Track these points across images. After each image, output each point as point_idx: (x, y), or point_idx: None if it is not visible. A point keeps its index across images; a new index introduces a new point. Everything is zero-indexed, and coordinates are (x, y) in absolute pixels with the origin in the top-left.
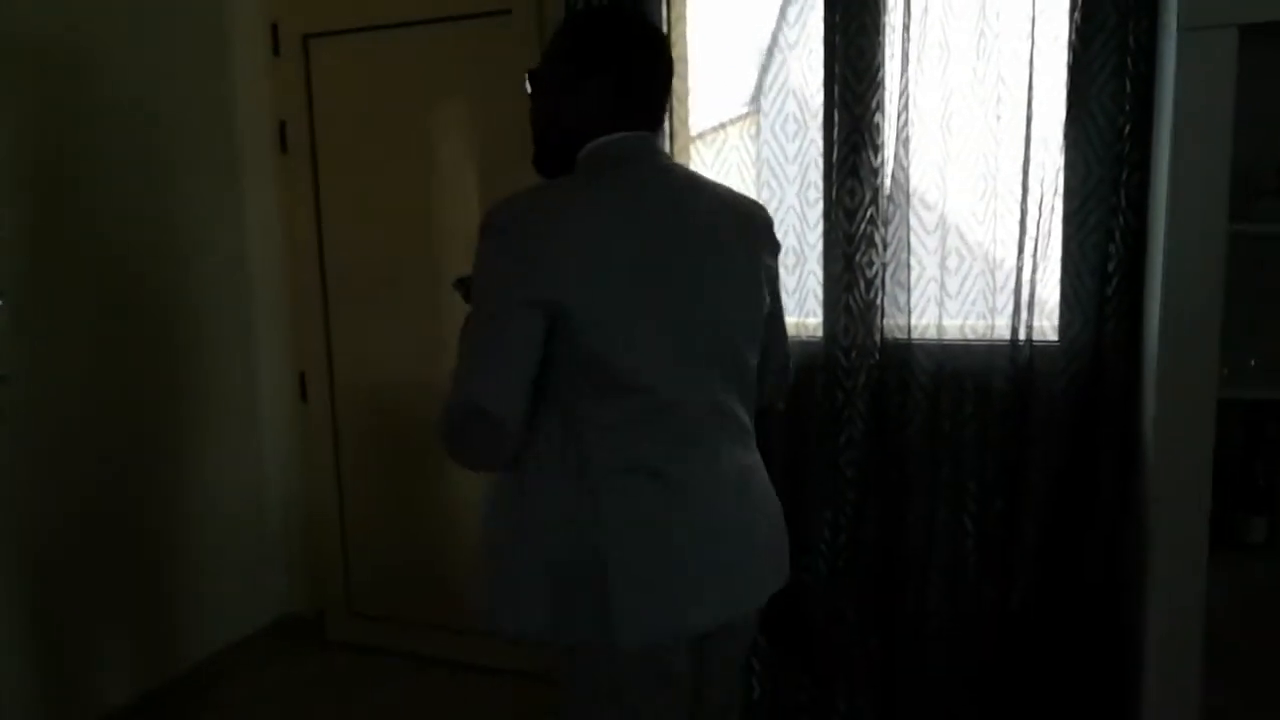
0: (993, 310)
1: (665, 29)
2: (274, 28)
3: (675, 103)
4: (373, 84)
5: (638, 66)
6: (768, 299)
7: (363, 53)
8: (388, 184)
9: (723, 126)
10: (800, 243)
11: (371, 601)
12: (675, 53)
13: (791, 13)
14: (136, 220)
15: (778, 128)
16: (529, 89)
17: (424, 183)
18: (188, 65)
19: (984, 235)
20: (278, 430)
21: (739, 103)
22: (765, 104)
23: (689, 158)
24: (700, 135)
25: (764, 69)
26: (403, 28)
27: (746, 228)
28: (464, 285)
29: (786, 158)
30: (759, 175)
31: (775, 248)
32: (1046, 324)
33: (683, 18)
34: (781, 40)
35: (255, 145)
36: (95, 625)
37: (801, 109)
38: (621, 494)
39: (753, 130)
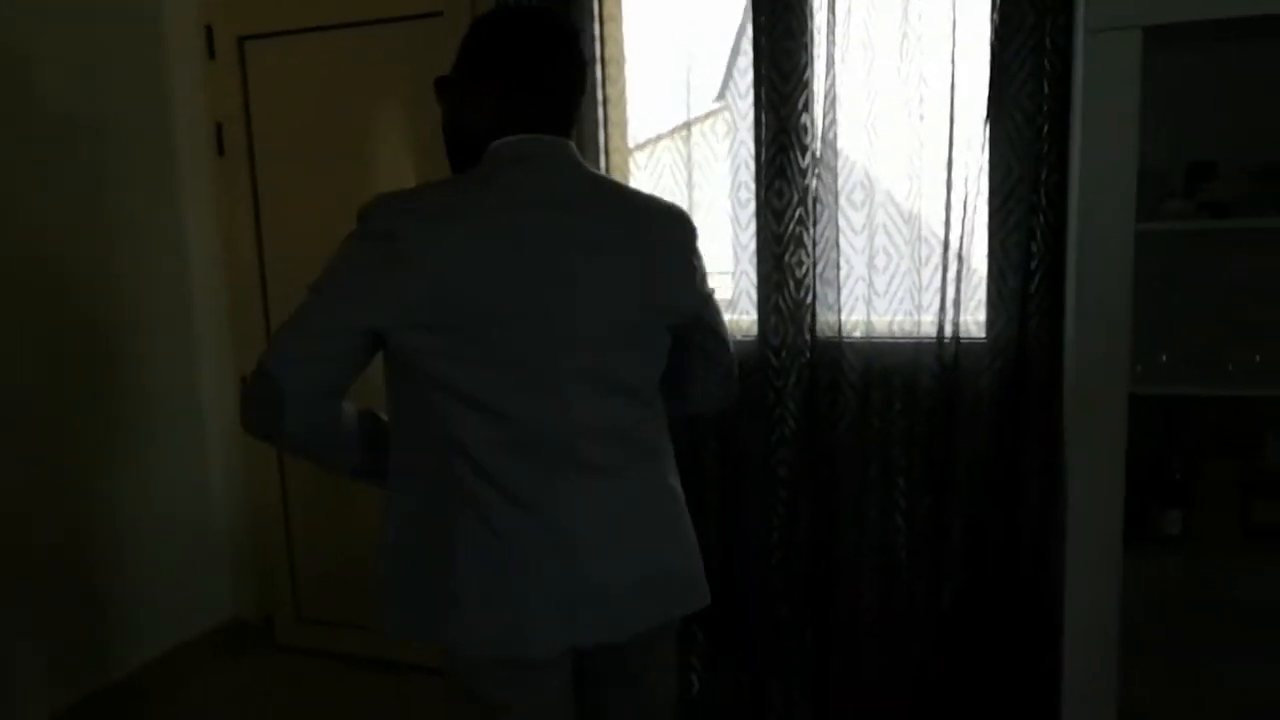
0: (919, 308)
1: (596, 30)
2: (208, 30)
3: (608, 106)
4: (309, 85)
5: (530, 68)
6: (680, 308)
7: (299, 54)
8: (326, 184)
9: (687, 125)
10: (734, 244)
11: (319, 606)
12: (608, 53)
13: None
14: (71, 227)
15: (708, 129)
16: (436, 96)
17: (362, 182)
18: (122, 69)
19: (910, 234)
20: (221, 434)
21: (706, 99)
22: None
23: (624, 161)
24: (670, 133)
25: (730, 65)
26: (338, 29)
27: (650, 232)
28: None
29: (716, 157)
30: (690, 177)
31: (690, 251)
32: (972, 321)
33: (615, 18)
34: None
35: (192, 149)
36: (25, 630)
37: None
38: (476, 516)
39: (720, 128)
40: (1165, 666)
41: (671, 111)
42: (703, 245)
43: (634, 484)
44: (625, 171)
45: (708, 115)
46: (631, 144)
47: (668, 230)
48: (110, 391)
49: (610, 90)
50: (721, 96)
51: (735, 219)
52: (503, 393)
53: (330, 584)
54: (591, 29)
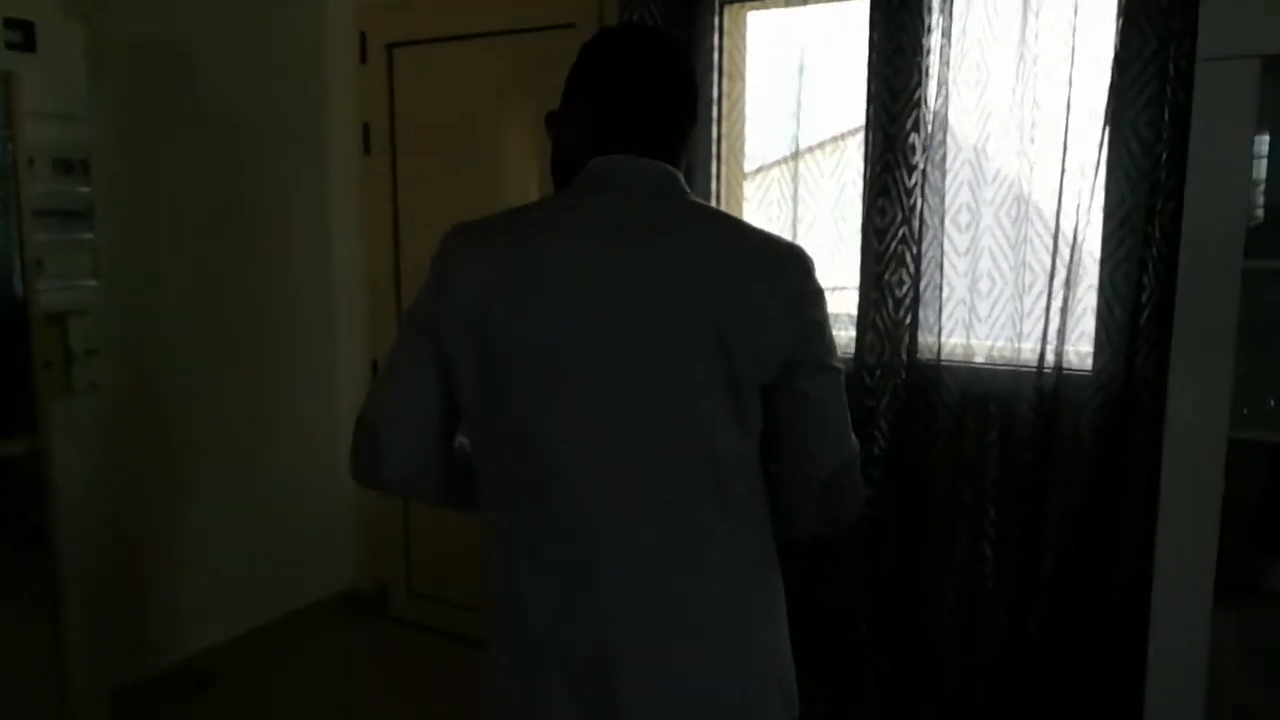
0: (1020, 335)
1: (716, 50)
2: (362, 36)
3: (725, 125)
4: (448, 90)
5: (619, 85)
6: (774, 364)
7: (441, 61)
8: (459, 184)
9: (837, 140)
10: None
11: (431, 581)
12: (730, 68)
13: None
14: (229, 215)
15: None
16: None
17: (493, 183)
18: (282, 70)
19: (1015, 259)
20: (352, 412)
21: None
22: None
23: (737, 176)
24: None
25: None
26: (477, 38)
27: (738, 275)
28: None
29: (822, 173)
30: (795, 191)
31: (797, 301)
32: (1073, 352)
33: (736, 35)
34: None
35: (341, 146)
36: (165, 580)
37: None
38: (512, 581)
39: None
40: None
41: (786, 137)
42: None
43: (689, 584)
44: (737, 189)
45: (828, 142)
46: (749, 165)
47: (755, 273)
48: (255, 367)
49: (726, 105)
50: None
51: (839, 234)
52: (526, 448)
53: (443, 562)
54: (710, 41)
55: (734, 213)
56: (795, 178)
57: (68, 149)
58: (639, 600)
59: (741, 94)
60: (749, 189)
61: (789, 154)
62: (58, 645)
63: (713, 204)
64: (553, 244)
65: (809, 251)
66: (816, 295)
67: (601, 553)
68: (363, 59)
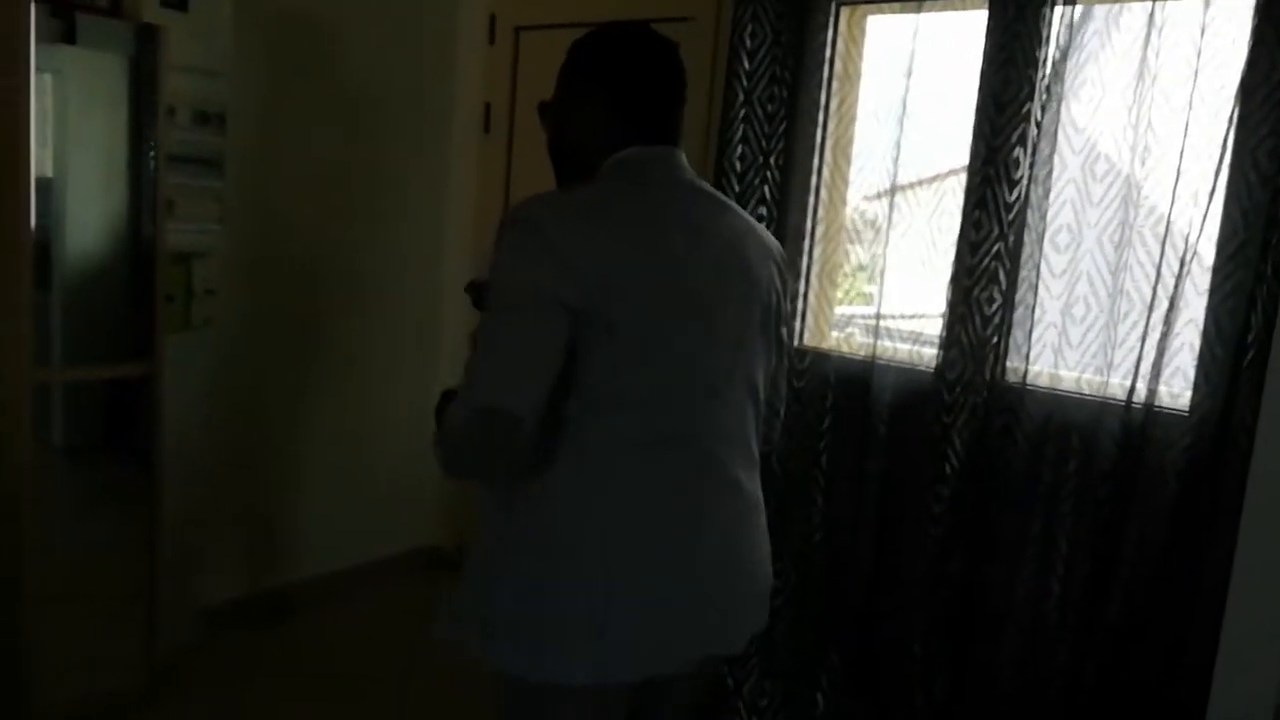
0: (1110, 366)
1: (828, 51)
2: (492, 18)
3: (832, 126)
4: None
5: (635, 80)
6: (779, 327)
7: (565, 46)
8: None
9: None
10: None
11: None
12: (848, 70)
13: None
14: (348, 178)
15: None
16: (540, 119)
17: None
18: (415, 46)
19: (1113, 286)
20: (454, 373)
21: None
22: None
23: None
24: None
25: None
26: None
27: (766, 253)
28: (476, 289)
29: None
30: (892, 199)
31: (789, 280)
32: (1166, 391)
33: (854, 38)
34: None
35: (463, 123)
36: (260, 511)
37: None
38: (628, 518)
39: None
40: None
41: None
42: (897, 276)
43: (754, 497)
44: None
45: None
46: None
47: (771, 245)
48: (364, 327)
49: (835, 106)
50: None
51: (932, 244)
52: (656, 393)
53: None
54: (821, 40)
55: (837, 208)
56: (893, 183)
57: (207, 102)
58: (743, 517)
59: (855, 99)
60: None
61: (890, 158)
62: (151, 559)
63: (811, 195)
64: (650, 222)
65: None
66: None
67: (717, 488)
68: (491, 40)
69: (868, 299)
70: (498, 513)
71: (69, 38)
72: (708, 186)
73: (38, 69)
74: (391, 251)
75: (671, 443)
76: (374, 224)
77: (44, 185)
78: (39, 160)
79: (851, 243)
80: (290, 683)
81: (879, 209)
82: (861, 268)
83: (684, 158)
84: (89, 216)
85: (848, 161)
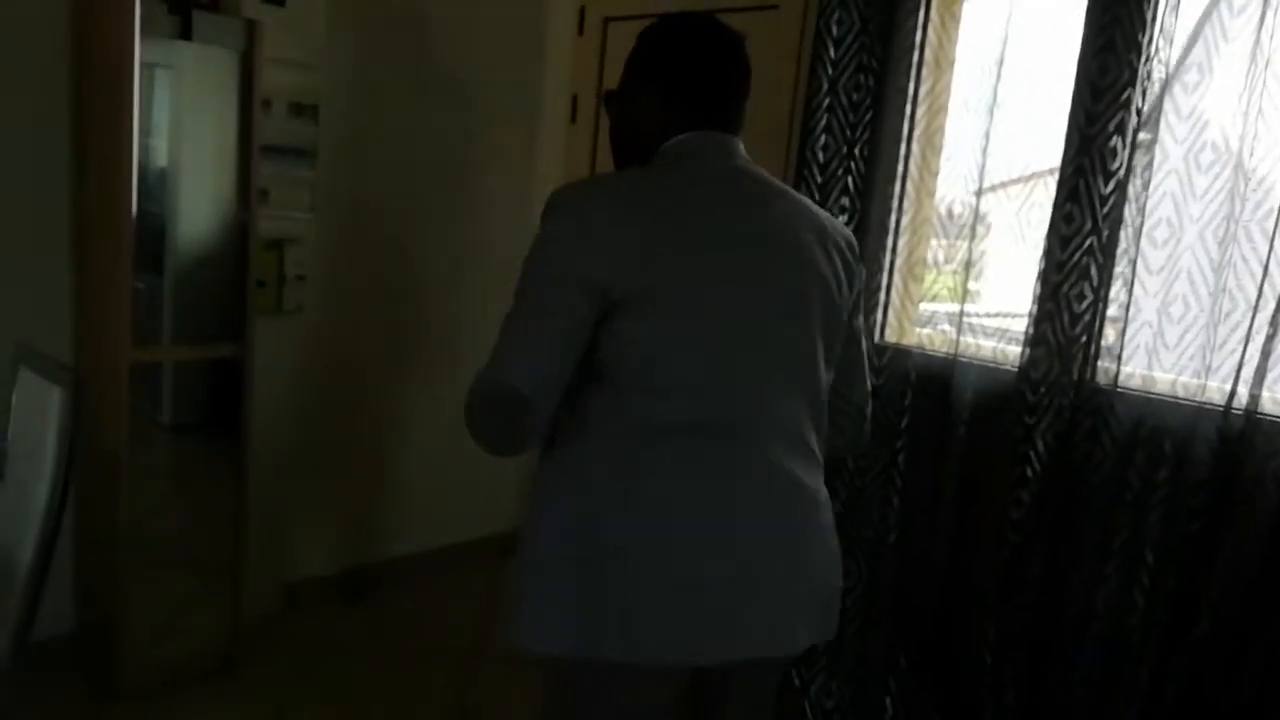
0: (1208, 369)
1: (919, 36)
2: (581, 10)
3: (921, 112)
4: None
5: (693, 70)
6: (841, 321)
7: None
8: None
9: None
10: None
11: None
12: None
13: None
14: (438, 168)
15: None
16: (605, 107)
17: None
18: (506, 37)
19: (1215, 285)
20: None
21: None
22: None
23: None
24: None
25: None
26: None
27: (825, 238)
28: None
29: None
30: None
31: (857, 268)
32: (1273, 396)
33: (948, 23)
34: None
35: (551, 114)
36: (346, 492)
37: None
38: (662, 504)
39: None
40: None
41: (978, 133)
42: (985, 271)
43: (810, 492)
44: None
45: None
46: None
47: (837, 236)
48: (447, 315)
49: (925, 94)
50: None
51: (1022, 238)
52: (697, 380)
53: None
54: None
55: (923, 201)
56: (981, 176)
57: (302, 94)
58: (796, 513)
59: (946, 88)
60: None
61: (979, 149)
62: (237, 532)
63: (897, 185)
64: (697, 201)
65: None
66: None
67: (761, 480)
68: (580, 30)
69: (954, 295)
70: (535, 499)
71: (185, 33)
72: (763, 174)
73: (157, 64)
74: (478, 240)
75: (706, 431)
76: (462, 212)
77: (160, 175)
78: (156, 151)
79: (937, 237)
80: (365, 658)
81: (967, 201)
82: (947, 261)
83: (739, 145)
84: (199, 204)
85: (936, 153)
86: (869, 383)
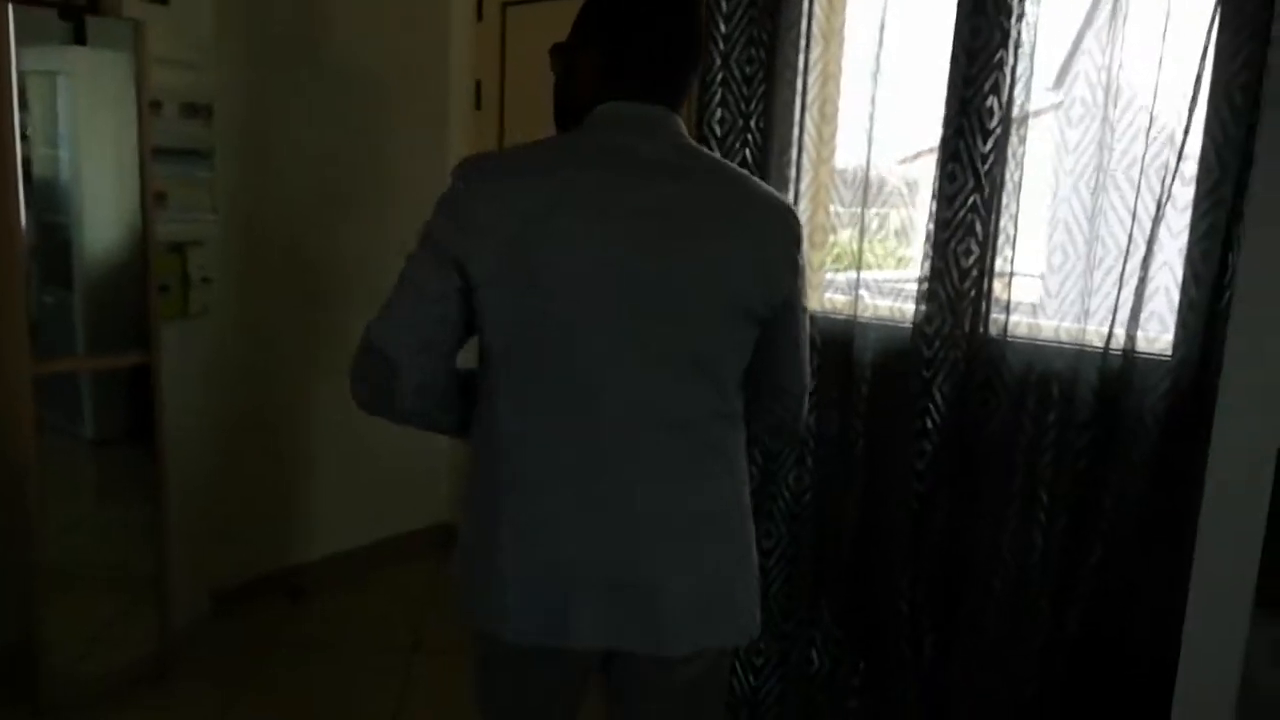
0: (1087, 314)
1: (806, 10)
2: None
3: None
4: None
5: (633, 34)
6: (770, 305)
7: (551, 21)
8: None
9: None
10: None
11: None
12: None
13: None
14: (342, 160)
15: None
16: (551, 62)
17: None
18: (404, 24)
19: (1089, 233)
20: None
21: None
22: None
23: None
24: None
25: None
26: None
27: (741, 214)
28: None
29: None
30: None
31: (784, 249)
32: (1143, 336)
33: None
34: None
35: (455, 101)
36: (269, 495)
37: None
38: (534, 486)
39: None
40: None
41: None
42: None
43: (699, 489)
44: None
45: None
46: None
47: (765, 219)
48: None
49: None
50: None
51: (910, 201)
52: (550, 365)
53: None
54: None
55: (819, 170)
56: (870, 141)
57: (193, 94)
58: (671, 506)
59: (836, 58)
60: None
61: (867, 116)
62: (159, 541)
63: (793, 153)
64: (581, 177)
65: None
66: (802, 242)
67: (633, 463)
68: (479, 17)
69: (847, 259)
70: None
71: (80, 38)
72: (689, 145)
73: (56, 72)
74: (387, 232)
75: (577, 411)
76: (369, 206)
77: (64, 186)
78: (60, 162)
79: (833, 204)
80: (299, 660)
81: (858, 167)
82: (879, 229)
83: (671, 118)
84: (103, 212)
85: (829, 122)
86: (808, 371)
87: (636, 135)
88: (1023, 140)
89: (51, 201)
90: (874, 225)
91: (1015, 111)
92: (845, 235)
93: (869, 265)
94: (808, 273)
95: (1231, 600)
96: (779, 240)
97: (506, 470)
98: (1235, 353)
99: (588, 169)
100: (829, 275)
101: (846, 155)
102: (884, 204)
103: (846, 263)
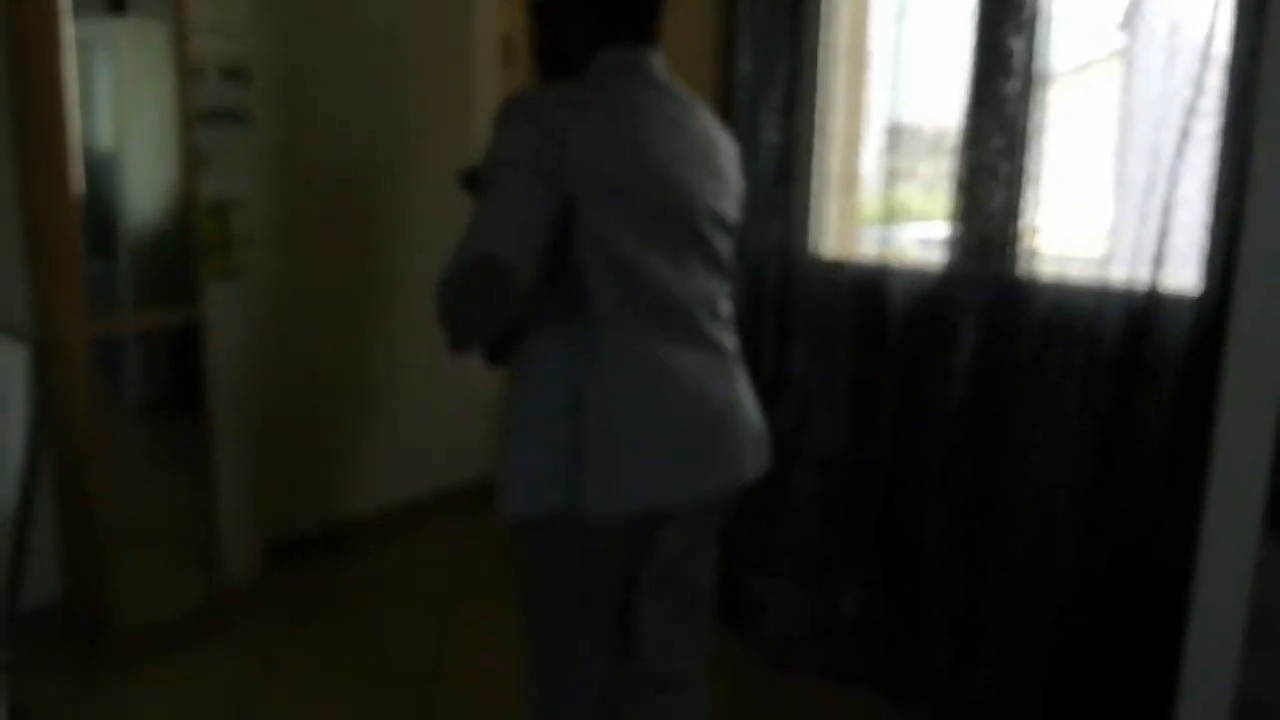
0: (1112, 254)
1: None
2: None
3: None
4: None
5: None
6: (737, 222)
7: None
8: None
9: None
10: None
11: None
12: None
13: None
14: (376, 119)
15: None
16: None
17: None
18: None
19: (1119, 174)
20: None
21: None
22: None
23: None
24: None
25: None
26: None
27: (728, 145)
28: (470, 176)
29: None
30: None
31: (740, 176)
32: (1172, 274)
33: None
34: None
35: (485, 57)
36: (315, 449)
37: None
38: (617, 370)
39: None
40: None
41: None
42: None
43: (730, 351)
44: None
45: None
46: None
47: (734, 150)
48: (397, 265)
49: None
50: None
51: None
52: (645, 261)
53: None
54: None
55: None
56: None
57: (233, 59)
58: (724, 374)
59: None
60: None
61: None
62: (209, 497)
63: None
64: (630, 108)
65: None
66: None
67: (694, 346)
68: None
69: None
70: (517, 387)
71: (119, 8)
72: (678, 86)
73: (94, 44)
74: (421, 188)
75: (656, 307)
76: (402, 160)
77: (106, 157)
78: (101, 134)
79: (863, 150)
80: (346, 609)
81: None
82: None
83: (660, 57)
84: (146, 180)
85: (861, 68)
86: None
87: (650, 74)
88: (1046, 82)
89: (93, 172)
90: (904, 173)
91: (1041, 57)
92: (875, 182)
93: (900, 217)
94: (845, 221)
95: (1243, 522)
96: (736, 163)
97: (608, 361)
98: (1247, 280)
99: (637, 103)
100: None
101: (877, 100)
102: (912, 153)
103: (877, 211)
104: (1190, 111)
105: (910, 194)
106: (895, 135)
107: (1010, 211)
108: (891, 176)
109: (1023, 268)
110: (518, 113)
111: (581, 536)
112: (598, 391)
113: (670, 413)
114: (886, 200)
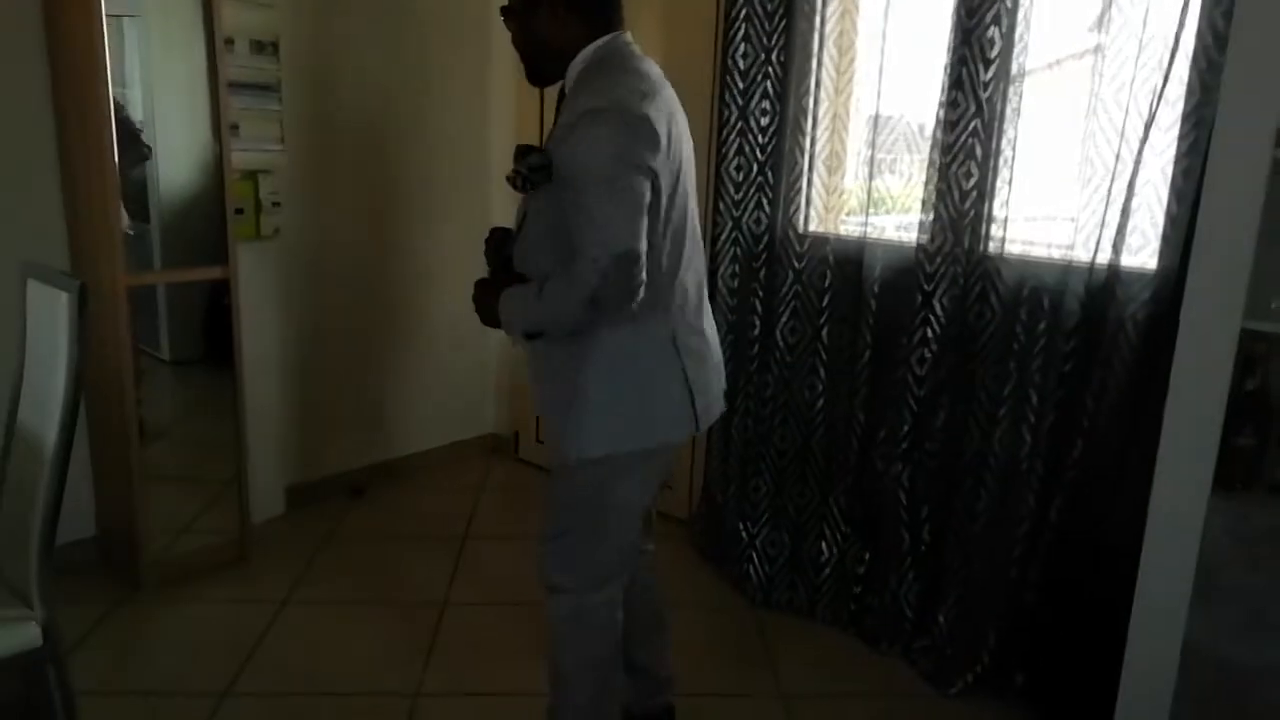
0: (1076, 230)
1: None
2: None
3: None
4: None
5: None
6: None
7: None
8: None
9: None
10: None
11: None
12: None
13: None
14: (399, 91)
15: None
16: (504, 21)
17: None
18: None
19: (1081, 155)
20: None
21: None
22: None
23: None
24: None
25: None
26: None
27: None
28: (527, 163)
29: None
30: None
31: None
32: (1131, 250)
33: None
34: None
35: (503, 32)
36: (337, 402)
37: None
38: (687, 338)
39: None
40: (1235, 613)
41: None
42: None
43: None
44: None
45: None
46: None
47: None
48: (417, 240)
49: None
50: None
51: (919, 130)
52: (676, 240)
53: None
54: None
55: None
56: (881, 72)
57: (262, 31)
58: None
59: None
60: None
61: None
62: (237, 441)
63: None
64: (666, 93)
65: None
66: None
67: (702, 309)
68: None
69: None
70: (577, 356)
71: None
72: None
73: (124, 15)
74: (441, 154)
75: (687, 275)
76: (423, 129)
77: (138, 126)
78: (133, 102)
79: (848, 135)
80: (362, 546)
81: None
82: (858, 154)
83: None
84: (177, 147)
85: (847, 55)
86: None
87: (642, 56)
88: (1021, 69)
89: (125, 141)
90: (885, 159)
91: (1016, 41)
92: (858, 166)
93: (880, 208)
94: (828, 198)
95: (1193, 481)
96: None
97: (653, 330)
98: (1204, 236)
99: (663, 86)
100: (844, 207)
101: (862, 89)
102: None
103: (859, 194)
104: (1158, 98)
105: (890, 184)
106: (878, 126)
107: (983, 191)
108: (874, 166)
109: (993, 242)
110: (611, 114)
111: (660, 456)
112: (649, 355)
113: (714, 357)
114: (868, 190)
